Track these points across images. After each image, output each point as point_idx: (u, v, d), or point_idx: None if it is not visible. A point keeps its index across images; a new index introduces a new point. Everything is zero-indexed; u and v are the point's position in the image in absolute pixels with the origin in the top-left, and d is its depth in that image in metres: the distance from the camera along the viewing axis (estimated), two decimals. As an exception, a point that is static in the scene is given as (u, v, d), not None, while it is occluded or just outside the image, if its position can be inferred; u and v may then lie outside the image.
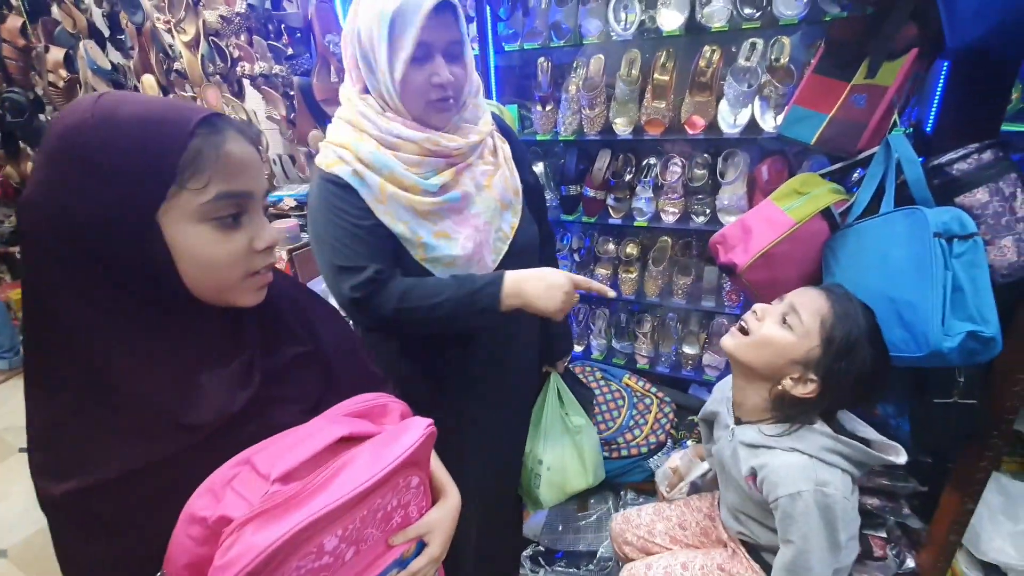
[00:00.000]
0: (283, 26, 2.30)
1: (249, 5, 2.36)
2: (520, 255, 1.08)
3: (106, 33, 2.80)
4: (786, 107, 1.37)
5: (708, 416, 1.14)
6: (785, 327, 0.90)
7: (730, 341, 0.97)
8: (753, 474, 0.92)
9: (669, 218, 1.78)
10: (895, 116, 1.14)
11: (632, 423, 1.87)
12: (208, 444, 0.57)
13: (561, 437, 1.42)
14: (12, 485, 2.33)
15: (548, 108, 1.83)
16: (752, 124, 1.55)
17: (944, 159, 1.05)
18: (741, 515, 1.00)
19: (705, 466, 1.32)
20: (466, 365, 1.11)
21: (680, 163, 1.79)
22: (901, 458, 0.88)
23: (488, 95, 1.87)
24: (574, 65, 1.80)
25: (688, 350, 1.96)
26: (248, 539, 0.49)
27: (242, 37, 2.40)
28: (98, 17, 2.79)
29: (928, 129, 1.32)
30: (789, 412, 0.90)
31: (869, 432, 0.94)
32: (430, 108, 0.94)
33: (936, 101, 1.29)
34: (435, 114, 0.95)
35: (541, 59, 1.82)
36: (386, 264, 0.95)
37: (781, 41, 1.51)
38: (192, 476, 0.54)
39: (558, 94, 1.83)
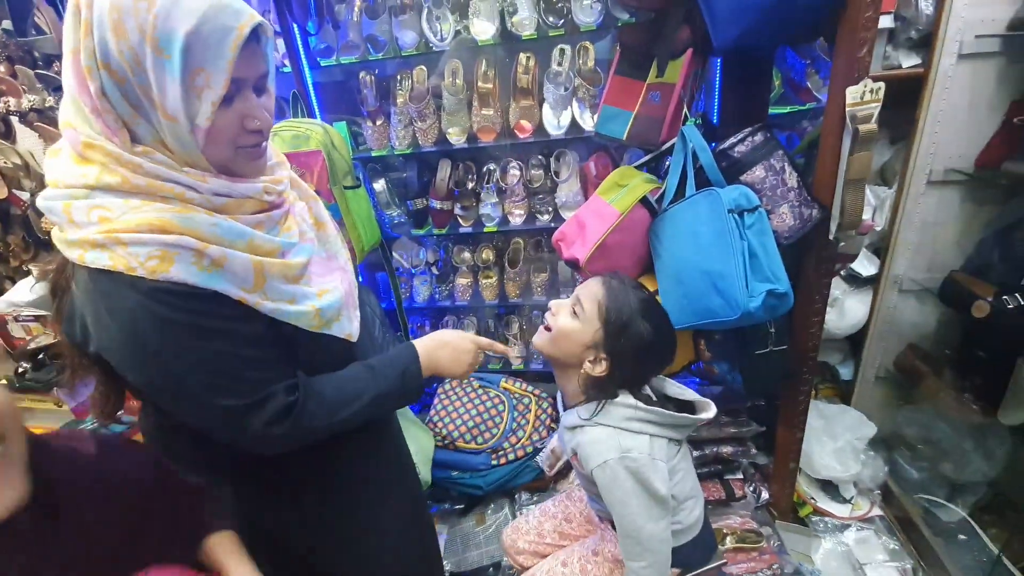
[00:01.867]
0: (50, 52, 1.95)
1: (5, 31, 1.97)
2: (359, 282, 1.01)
3: None
4: (599, 107, 1.47)
5: None
6: (574, 317, 0.98)
7: (538, 339, 1.05)
8: (575, 453, 1.01)
9: (516, 220, 1.83)
10: (685, 109, 1.28)
11: (515, 425, 1.88)
12: None
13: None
14: None
15: (379, 123, 1.77)
16: (574, 124, 1.65)
17: (727, 144, 1.19)
18: (592, 492, 1.06)
19: None
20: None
21: (518, 166, 1.85)
22: (710, 412, 1.00)
23: (311, 113, 1.76)
24: (398, 78, 1.76)
25: (556, 343, 2.03)
26: None
27: (1, 68, 1.99)
28: None
29: (714, 118, 1.51)
30: (595, 392, 0.99)
31: (688, 394, 1.06)
32: (241, 157, 0.71)
33: (717, 93, 1.48)
34: (246, 163, 0.72)
35: (363, 73, 1.76)
36: (290, 372, 0.77)
37: (585, 47, 1.61)
38: None
39: (387, 108, 1.78)
